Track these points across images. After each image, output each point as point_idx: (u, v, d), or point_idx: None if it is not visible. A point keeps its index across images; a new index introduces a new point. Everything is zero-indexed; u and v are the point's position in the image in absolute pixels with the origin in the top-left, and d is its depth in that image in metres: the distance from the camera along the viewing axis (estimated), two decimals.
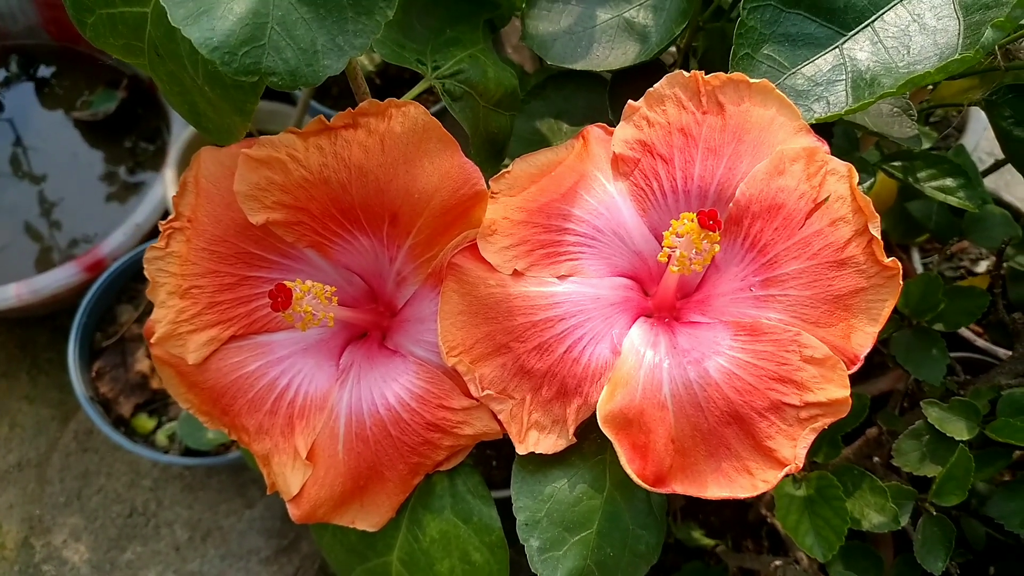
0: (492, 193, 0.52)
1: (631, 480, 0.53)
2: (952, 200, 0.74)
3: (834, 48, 0.53)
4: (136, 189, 1.35)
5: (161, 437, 1.05)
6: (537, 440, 0.51)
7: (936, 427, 0.74)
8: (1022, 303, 0.96)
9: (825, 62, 0.53)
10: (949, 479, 0.72)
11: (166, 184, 1.24)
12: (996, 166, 0.97)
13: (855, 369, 0.47)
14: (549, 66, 0.68)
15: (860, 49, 0.53)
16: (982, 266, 1.32)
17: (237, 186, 0.49)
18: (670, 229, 0.47)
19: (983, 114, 1.41)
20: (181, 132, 1.31)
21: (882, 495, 0.73)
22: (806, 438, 0.46)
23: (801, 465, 0.46)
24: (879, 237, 0.47)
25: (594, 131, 0.56)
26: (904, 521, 0.72)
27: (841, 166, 0.49)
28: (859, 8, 0.53)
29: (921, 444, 0.77)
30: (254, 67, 0.37)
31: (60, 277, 1.15)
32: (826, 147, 0.50)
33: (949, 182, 0.75)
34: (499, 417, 0.51)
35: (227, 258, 0.52)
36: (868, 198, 0.48)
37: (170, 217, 0.52)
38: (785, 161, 0.49)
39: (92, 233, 1.31)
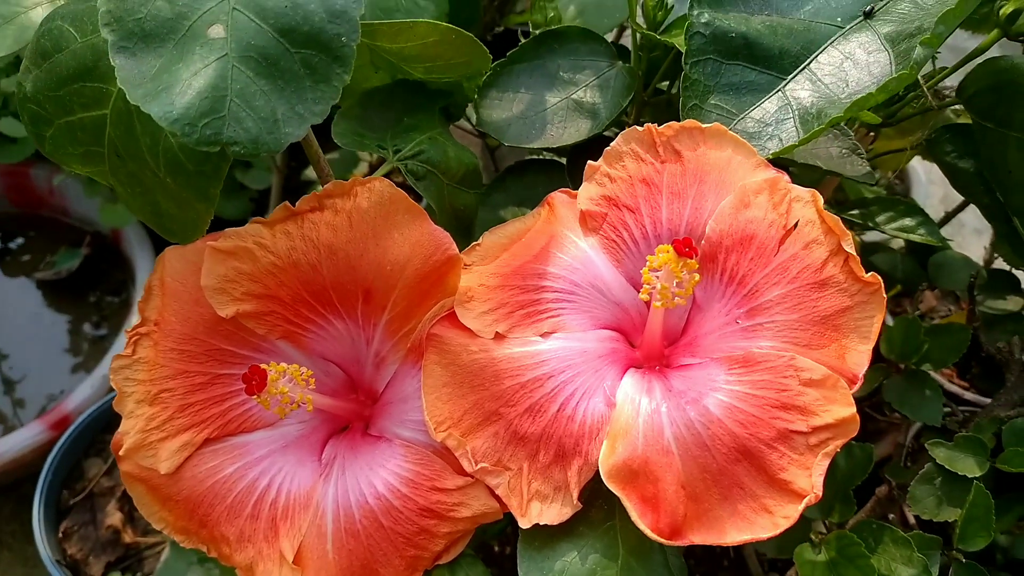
0: (464, 265, 0.52)
1: (645, 544, 0.50)
2: (915, 237, 0.76)
3: (777, 92, 0.56)
4: (102, 343, 1.32)
5: None
6: (540, 511, 0.48)
7: (946, 467, 0.72)
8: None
9: (771, 104, 0.55)
10: (971, 520, 0.69)
11: None
12: (946, 219, 1.00)
13: (856, 389, 0.46)
14: (499, 164, 0.70)
15: (801, 89, 0.55)
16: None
17: (204, 280, 0.48)
18: (647, 265, 0.47)
19: (924, 177, 1.46)
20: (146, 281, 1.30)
21: (907, 546, 0.70)
22: (820, 465, 0.44)
23: (820, 495, 0.44)
24: (855, 254, 0.48)
25: (558, 196, 0.56)
26: (935, 572, 0.69)
27: (804, 192, 0.50)
28: (793, 54, 0.56)
29: (935, 488, 0.74)
30: (215, 137, 0.37)
31: (25, 437, 1.10)
32: (786, 177, 0.51)
33: (908, 221, 0.77)
34: (497, 492, 0.48)
35: (197, 356, 0.50)
36: (836, 217, 0.48)
37: (135, 323, 0.51)
38: (749, 194, 0.50)
39: (58, 392, 1.26)
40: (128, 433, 0.49)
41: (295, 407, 0.47)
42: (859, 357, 0.47)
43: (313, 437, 0.53)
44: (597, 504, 0.51)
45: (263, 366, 0.45)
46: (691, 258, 0.46)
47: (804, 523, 0.78)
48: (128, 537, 1.01)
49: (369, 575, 0.48)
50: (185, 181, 0.44)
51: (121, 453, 0.49)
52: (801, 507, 0.44)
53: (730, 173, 0.52)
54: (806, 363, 0.45)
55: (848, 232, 0.48)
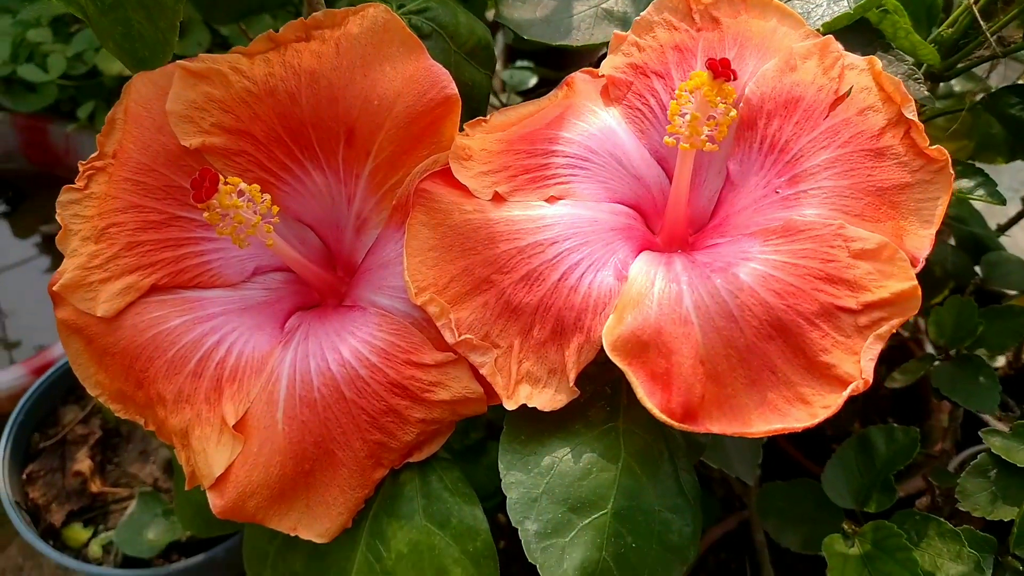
0: (466, 134, 0.46)
1: (652, 450, 0.42)
2: (974, 199, 0.68)
3: None
4: None
5: (95, 548, 0.89)
6: (530, 394, 0.40)
7: (1003, 458, 0.63)
8: None
9: None
10: None
11: None
12: (1001, 231, 0.93)
13: (917, 271, 0.38)
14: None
15: None
16: (1000, 360, 1.22)
17: (170, 104, 0.43)
18: (675, 98, 0.40)
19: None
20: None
21: (956, 540, 0.60)
22: (871, 348, 0.36)
23: (870, 380, 0.36)
24: (917, 121, 0.41)
25: (578, 75, 0.50)
26: (989, 572, 0.59)
27: (859, 60, 0.43)
28: None
29: (989, 481, 0.65)
30: None
31: (4, 380, 1.05)
32: (838, 43, 0.44)
33: (966, 183, 0.69)
34: (482, 371, 0.41)
35: (154, 191, 0.44)
36: (897, 81, 0.41)
37: (92, 156, 0.45)
38: (796, 58, 0.43)
39: (48, 344, 1.22)
40: (66, 270, 0.43)
41: (251, 231, 0.40)
42: (919, 241, 0.39)
43: (277, 306, 0.46)
44: (598, 405, 0.43)
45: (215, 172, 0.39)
46: (728, 81, 0.39)
47: (835, 512, 0.69)
48: (95, 487, 0.93)
49: (324, 455, 0.41)
50: None
51: (56, 288, 0.43)
52: (845, 395, 0.36)
53: (774, 41, 0.45)
54: (857, 232, 0.38)
55: (911, 98, 0.41)
